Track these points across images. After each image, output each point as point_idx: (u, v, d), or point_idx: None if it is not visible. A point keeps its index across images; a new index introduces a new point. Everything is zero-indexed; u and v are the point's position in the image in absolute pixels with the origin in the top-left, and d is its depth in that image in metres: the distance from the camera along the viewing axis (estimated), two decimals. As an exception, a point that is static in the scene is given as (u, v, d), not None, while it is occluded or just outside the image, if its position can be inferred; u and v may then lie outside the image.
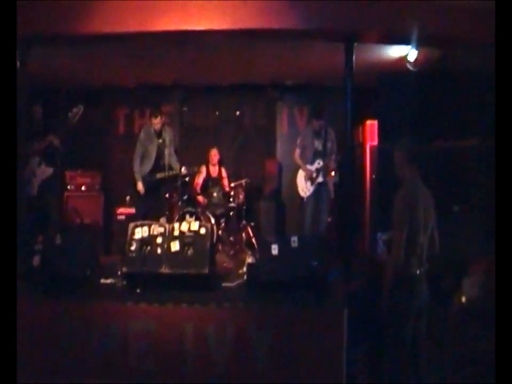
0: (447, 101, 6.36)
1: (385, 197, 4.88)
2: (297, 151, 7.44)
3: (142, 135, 7.33)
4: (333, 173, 7.67)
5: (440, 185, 5.24)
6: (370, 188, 7.77)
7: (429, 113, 6.27)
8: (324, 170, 7.20)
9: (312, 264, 4.73)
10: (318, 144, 7.28)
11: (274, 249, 4.82)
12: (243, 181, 7.83)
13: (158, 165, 7.15)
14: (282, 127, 9.05)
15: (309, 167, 7.29)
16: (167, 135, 7.26)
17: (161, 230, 4.99)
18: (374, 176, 7.58)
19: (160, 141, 7.20)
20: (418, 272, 3.85)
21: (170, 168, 7.13)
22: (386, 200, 4.10)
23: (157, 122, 7.21)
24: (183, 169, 7.21)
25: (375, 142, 7.44)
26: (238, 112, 8.86)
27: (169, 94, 8.36)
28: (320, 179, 7.23)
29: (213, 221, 7.19)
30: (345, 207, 5.78)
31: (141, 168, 7.17)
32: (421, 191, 3.94)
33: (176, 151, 7.50)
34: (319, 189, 7.26)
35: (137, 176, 7.16)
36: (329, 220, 7.68)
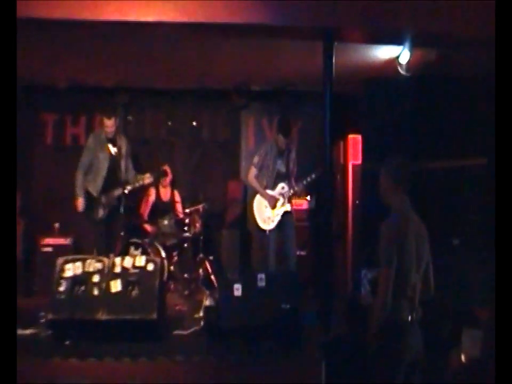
0: (446, 112, 6.45)
1: (370, 226, 4.88)
2: (253, 171, 7.34)
3: (90, 141, 7.33)
4: (308, 197, 7.83)
5: (437, 213, 5.29)
6: (353, 216, 7.91)
7: (424, 126, 6.40)
8: (289, 196, 7.24)
9: (284, 307, 4.82)
10: (280, 165, 7.31)
11: (238, 289, 4.90)
12: (200, 206, 7.87)
13: (111, 181, 7.16)
14: (248, 142, 9.07)
15: (270, 192, 7.27)
16: (123, 143, 7.26)
17: (99, 266, 5.02)
18: (357, 202, 7.74)
19: (115, 149, 7.21)
20: (409, 318, 3.85)
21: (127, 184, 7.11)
22: (372, 231, 4.15)
23: (110, 124, 7.18)
24: (148, 177, 7.26)
25: (359, 161, 7.63)
26: (194, 123, 8.87)
27: (110, 99, 8.22)
28: (286, 207, 7.23)
29: (163, 254, 7.24)
30: (322, 239, 5.81)
31: (84, 183, 7.16)
32: (412, 221, 3.95)
33: (136, 165, 7.52)
34: (285, 219, 7.21)
35: (78, 191, 7.14)
36: (302, 253, 7.79)
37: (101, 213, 7.16)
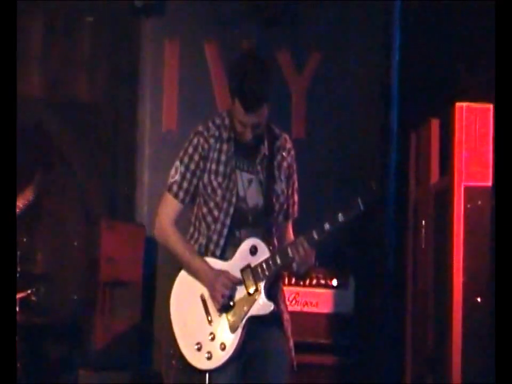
0: None
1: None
2: (171, 206, 3.00)
3: None
4: (334, 282, 4.33)
5: None
6: (466, 338, 3.71)
7: None
8: (273, 273, 2.95)
9: None
10: (247, 187, 3.03)
11: None
12: (25, 294, 4.28)
13: None
14: (167, 116, 4.84)
15: (216, 262, 2.98)
16: None
17: None
18: (478, 300, 3.78)
19: None
20: None
21: None
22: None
23: None
24: None
25: (487, 181, 3.72)
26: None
27: None
28: (261, 304, 2.92)
29: None
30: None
31: None
32: None
33: None
34: (262, 338, 2.99)
35: None
36: None
37: None
